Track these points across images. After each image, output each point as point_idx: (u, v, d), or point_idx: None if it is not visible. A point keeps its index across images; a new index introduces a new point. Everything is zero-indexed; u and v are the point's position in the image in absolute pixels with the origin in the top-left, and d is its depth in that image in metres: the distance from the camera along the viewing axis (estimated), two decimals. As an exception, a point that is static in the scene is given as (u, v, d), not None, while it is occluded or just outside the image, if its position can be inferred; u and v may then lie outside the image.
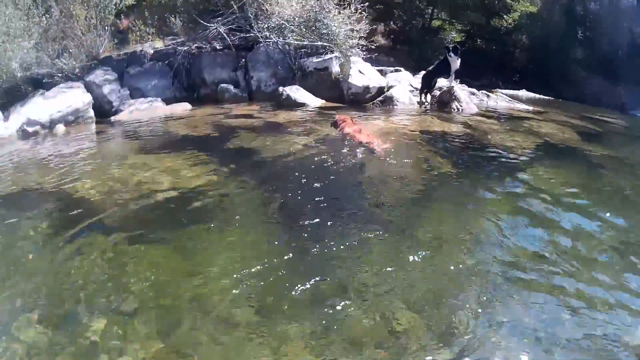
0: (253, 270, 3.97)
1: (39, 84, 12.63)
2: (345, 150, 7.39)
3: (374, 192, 5.79)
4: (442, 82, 12.44)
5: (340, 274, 3.97)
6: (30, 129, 10.93)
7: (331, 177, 6.24)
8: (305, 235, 4.57)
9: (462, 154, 7.68)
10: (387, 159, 6.93)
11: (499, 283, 3.85)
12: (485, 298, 3.65)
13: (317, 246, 4.33)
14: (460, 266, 4.06)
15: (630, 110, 18.47)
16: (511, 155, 7.47)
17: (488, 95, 14.03)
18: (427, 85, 12.42)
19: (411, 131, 8.98)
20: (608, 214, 5.27)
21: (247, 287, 3.79)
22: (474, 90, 13.81)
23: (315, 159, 7.00)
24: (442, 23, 28.88)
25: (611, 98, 19.87)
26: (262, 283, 3.82)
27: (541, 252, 4.36)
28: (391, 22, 25.98)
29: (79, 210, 5.34)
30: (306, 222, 4.78)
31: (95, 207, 5.38)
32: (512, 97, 14.87)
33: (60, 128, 11.29)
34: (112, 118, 12.09)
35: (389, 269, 3.99)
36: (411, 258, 4.14)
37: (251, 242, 4.57)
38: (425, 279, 3.90)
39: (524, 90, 18.63)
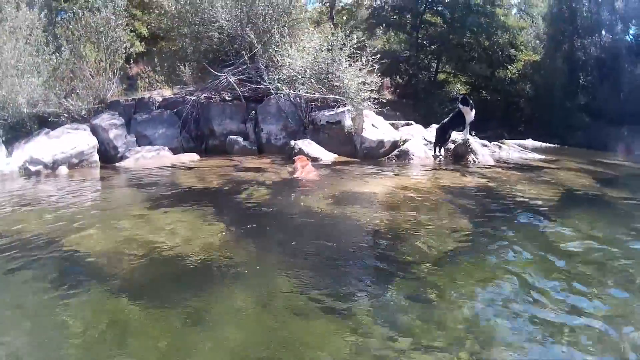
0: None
1: (45, 122, 12.43)
2: (358, 206, 6.92)
3: (398, 251, 5.15)
4: (454, 135, 12.11)
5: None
6: (32, 168, 10.64)
7: (352, 238, 5.64)
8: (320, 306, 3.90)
9: (485, 207, 7.16)
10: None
11: None
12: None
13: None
14: None
15: (636, 152, 18.42)
16: (535, 206, 7.05)
17: (500, 147, 13.70)
18: (442, 139, 11.98)
19: (431, 186, 8.45)
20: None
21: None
22: (485, 142, 13.41)
23: (332, 217, 6.38)
24: (447, 76, 29.02)
25: (616, 141, 19.73)
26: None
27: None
28: (397, 77, 25.82)
29: (78, 266, 4.79)
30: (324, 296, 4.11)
31: (96, 264, 4.79)
32: (520, 146, 14.59)
33: (63, 169, 10.96)
34: (117, 164, 11.69)
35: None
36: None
37: (263, 313, 3.88)
38: None
39: (529, 139, 18.18)
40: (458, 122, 11.68)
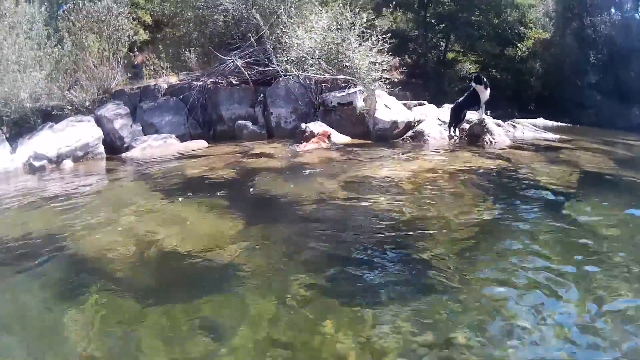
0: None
1: (49, 116, 12.11)
2: (375, 193, 6.40)
3: (416, 241, 4.65)
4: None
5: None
6: (37, 164, 10.29)
7: (370, 230, 5.07)
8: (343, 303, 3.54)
9: (508, 191, 6.69)
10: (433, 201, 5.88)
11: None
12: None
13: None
14: None
15: None
16: (557, 190, 6.54)
17: (514, 126, 13.10)
18: (457, 119, 11.35)
19: (450, 169, 7.91)
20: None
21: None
22: (499, 121, 12.75)
23: (348, 207, 5.90)
24: (457, 55, 28.49)
25: (626, 120, 19.70)
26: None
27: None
28: (406, 56, 25.19)
29: (84, 265, 4.50)
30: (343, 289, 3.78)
31: (103, 262, 4.51)
32: (533, 125, 13.99)
33: (68, 164, 10.65)
34: (124, 155, 11.34)
35: None
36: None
37: (277, 311, 3.49)
38: None
39: (541, 118, 17.74)
40: (473, 101, 11.06)
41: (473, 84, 10.89)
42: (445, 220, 5.17)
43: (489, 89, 10.85)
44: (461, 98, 11.56)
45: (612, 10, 23.53)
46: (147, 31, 19.41)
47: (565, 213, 5.43)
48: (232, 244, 4.68)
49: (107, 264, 4.43)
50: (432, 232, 4.83)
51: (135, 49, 15.93)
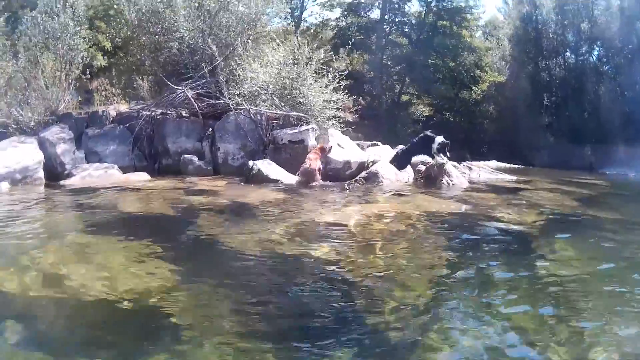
0: None
1: None
2: (328, 242, 5.57)
3: (369, 296, 4.03)
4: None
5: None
6: None
7: (315, 279, 4.42)
8: None
9: (472, 236, 6.20)
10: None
11: None
12: None
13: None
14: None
15: (599, 169, 18.85)
16: (522, 232, 6.31)
17: (470, 168, 13.05)
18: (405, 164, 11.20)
19: (407, 214, 7.20)
20: None
21: None
22: (455, 163, 12.30)
23: (294, 253, 5.12)
24: (411, 97, 28.12)
25: (579, 160, 20.14)
26: None
27: None
28: (360, 97, 24.70)
29: None
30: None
31: (14, 305, 3.78)
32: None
33: (5, 186, 9.52)
34: (63, 182, 10.18)
35: None
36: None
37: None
38: None
39: (493, 160, 17.86)
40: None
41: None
42: (405, 276, 4.51)
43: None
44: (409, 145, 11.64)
45: (568, 53, 24.03)
46: (106, 57, 18.16)
47: (533, 258, 5.11)
48: (167, 296, 3.90)
49: (21, 306, 3.78)
50: (389, 289, 4.17)
51: (88, 73, 14.70)
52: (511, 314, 3.65)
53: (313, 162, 9.83)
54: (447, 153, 10.70)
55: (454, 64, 25.33)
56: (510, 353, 3.12)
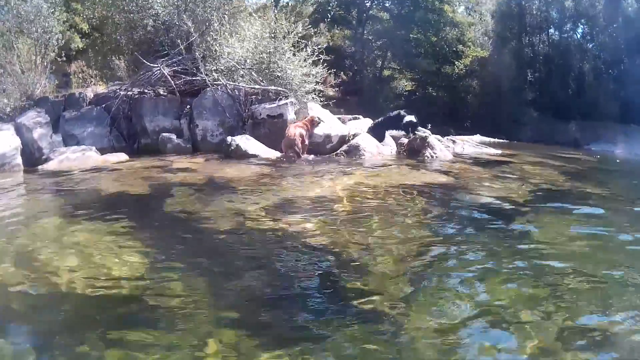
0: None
1: None
2: (308, 215, 5.46)
3: (353, 271, 3.85)
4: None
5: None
6: None
7: (298, 262, 4.16)
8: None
9: (459, 207, 6.26)
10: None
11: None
12: None
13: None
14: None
15: (584, 146, 18.98)
16: (508, 203, 6.22)
17: (454, 142, 12.95)
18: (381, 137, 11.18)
19: (390, 186, 7.03)
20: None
21: None
22: (438, 136, 12.28)
23: (273, 229, 4.95)
24: (393, 72, 27.90)
25: (564, 135, 20.12)
26: None
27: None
28: (342, 73, 24.42)
29: None
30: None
31: None
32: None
33: None
34: (40, 167, 9.84)
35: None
36: None
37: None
38: None
39: (477, 135, 17.68)
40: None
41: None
42: (382, 247, 4.39)
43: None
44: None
45: (551, 30, 24.13)
46: (84, 39, 17.74)
47: (524, 229, 5.03)
48: (144, 278, 3.76)
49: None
50: (365, 265, 3.97)
51: (64, 55, 14.30)
52: (491, 285, 3.57)
53: (291, 128, 9.69)
54: (412, 132, 10.91)
55: (436, 38, 25.09)
56: (486, 320, 3.04)
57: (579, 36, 23.69)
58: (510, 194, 6.72)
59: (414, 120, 11.11)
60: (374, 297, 3.34)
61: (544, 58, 23.57)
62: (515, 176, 8.49)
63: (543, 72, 23.60)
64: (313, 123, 9.99)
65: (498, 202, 6.29)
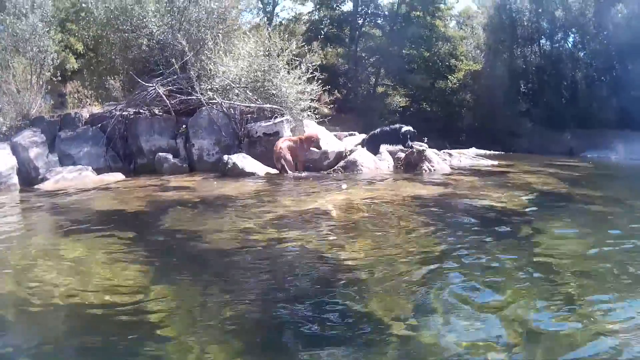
0: None
1: None
2: (307, 231, 5.34)
3: (356, 289, 3.68)
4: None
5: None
6: None
7: (295, 272, 4.14)
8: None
9: (462, 218, 6.09)
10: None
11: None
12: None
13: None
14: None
15: (580, 154, 18.97)
16: (512, 210, 6.26)
17: (450, 155, 13.09)
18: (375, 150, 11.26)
19: (390, 200, 7.03)
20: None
21: None
22: (435, 150, 12.28)
23: (271, 246, 4.82)
24: (387, 89, 28.00)
25: (559, 144, 20.31)
26: None
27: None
28: (336, 91, 24.49)
29: None
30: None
31: None
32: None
33: None
34: (36, 186, 9.83)
35: None
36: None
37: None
38: None
39: (473, 148, 17.63)
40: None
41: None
42: (384, 260, 4.27)
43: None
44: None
45: (543, 40, 24.24)
46: (79, 60, 17.75)
47: (526, 235, 4.98)
48: (142, 294, 3.65)
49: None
50: (366, 281, 3.82)
51: (60, 75, 14.30)
52: (498, 291, 3.50)
53: (279, 142, 9.75)
54: (410, 141, 10.96)
55: (428, 53, 25.28)
56: (493, 331, 2.93)
57: (570, 45, 23.89)
58: (511, 201, 6.78)
59: (412, 129, 11.20)
60: (377, 314, 3.24)
61: (537, 68, 23.72)
62: (515, 184, 8.52)
63: (536, 83, 23.74)
64: (310, 140, 9.95)
65: (499, 209, 6.29)
